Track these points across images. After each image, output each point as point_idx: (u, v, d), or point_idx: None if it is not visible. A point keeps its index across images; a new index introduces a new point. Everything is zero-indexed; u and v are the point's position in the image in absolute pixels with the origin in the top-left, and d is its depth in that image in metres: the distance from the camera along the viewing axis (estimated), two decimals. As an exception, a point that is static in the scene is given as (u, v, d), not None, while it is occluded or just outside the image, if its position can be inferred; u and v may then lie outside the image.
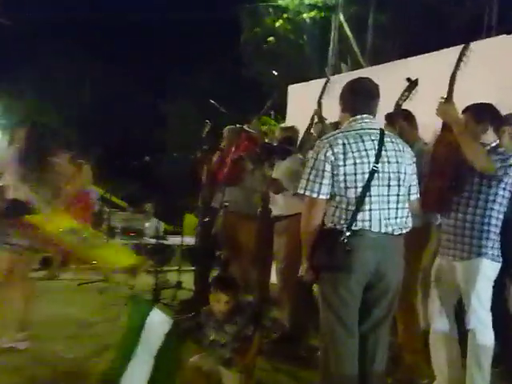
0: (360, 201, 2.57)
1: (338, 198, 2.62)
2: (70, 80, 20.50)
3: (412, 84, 3.45)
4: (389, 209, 2.62)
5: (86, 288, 6.15)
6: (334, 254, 2.53)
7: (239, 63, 15.64)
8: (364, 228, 2.57)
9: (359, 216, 2.57)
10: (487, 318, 2.95)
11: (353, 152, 2.60)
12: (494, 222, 3.00)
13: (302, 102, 5.34)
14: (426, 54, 5.48)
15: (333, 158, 2.58)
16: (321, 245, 2.58)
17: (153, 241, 8.08)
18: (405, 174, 2.67)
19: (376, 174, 2.59)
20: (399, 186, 2.66)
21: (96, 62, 19.79)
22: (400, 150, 2.69)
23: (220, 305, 3.12)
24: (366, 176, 2.58)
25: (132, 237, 8.09)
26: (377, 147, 2.63)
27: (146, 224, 8.40)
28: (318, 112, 4.38)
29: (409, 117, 3.69)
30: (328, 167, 2.59)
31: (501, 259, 3.02)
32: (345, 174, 2.59)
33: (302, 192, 2.62)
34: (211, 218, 5.21)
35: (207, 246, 5.25)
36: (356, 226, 2.56)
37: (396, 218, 2.64)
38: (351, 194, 2.59)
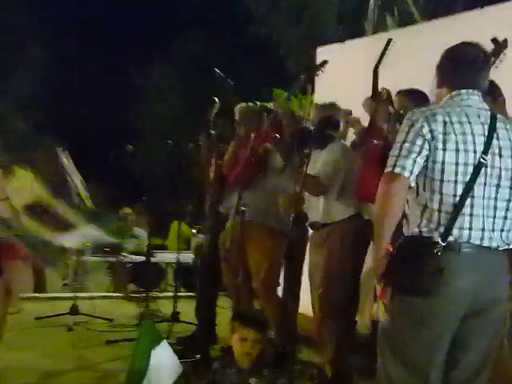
0: (460, 202, 2.48)
1: (427, 195, 2.53)
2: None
3: (499, 46, 3.38)
4: (495, 217, 2.55)
5: (48, 323, 6.02)
6: (419, 273, 2.42)
7: (245, 21, 15.49)
8: (461, 240, 2.47)
9: (457, 222, 2.47)
10: None
11: (456, 134, 2.50)
12: None
13: (336, 70, 5.23)
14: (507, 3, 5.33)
15: (430, 136, 2.51)
16: (401, 257, 2.48)
17: (135, 258, 8.05)
18: None
19: (483, 169, 2.51)
20: (511, 188, 2.58)
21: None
22: None
23: (246, 346, 3.03)
24: (471, 169, 2.50)
25: (107, 253, 7.97)
26: (487, 133, 2.54)
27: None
28: (375, 83, 4.24)
29: (494, 89, 3.58)
30: (426, 145, 2.51)
31: None
32: (443, 163, 2.50)
33: (389, 170, 2.53)
34: (219, 228, 5.06)
35: (213, 266, 5.10)
36: (452, 234, 2.46)
37: (502, 230, 2.56)
38: (449, 190, 2.49)
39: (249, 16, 15.50)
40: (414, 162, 2.49)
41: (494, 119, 2.59)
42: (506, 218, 2.57)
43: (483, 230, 2.51)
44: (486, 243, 2.50)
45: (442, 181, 2.50)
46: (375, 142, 3.94)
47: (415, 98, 3.75)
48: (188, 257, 8.06)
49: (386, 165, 2.58)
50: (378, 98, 4.15)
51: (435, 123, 2.51)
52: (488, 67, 2.74)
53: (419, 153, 2.50)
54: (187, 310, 5.86)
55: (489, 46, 3.41)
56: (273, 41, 15.00)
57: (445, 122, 2.52)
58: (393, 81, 4.26)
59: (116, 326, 5.94)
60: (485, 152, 2.51)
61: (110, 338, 5.38)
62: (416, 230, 2.53)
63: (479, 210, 2.51)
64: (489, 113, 2.61)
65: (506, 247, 2.57)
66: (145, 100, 20.59)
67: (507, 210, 2.57)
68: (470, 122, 2.54)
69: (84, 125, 19.95)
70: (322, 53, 7.21)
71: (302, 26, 14.42)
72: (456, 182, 2.49)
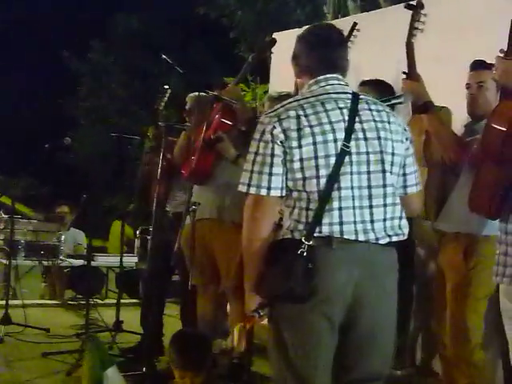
0: (325, 196, 2.45)
1: (295, 195, 2.51)
2: None
3: (414, 8, 3.53)
4: (371, 207, 2.51)
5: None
6: (288, 275, 2.38)
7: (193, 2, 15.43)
8: (333, 235, 2.45)
9: (325, 218, 2.45)
10: None
11: (311, 127, 2.49)
12: None
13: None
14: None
15: (283, 137, 2.49)
16: (271, 262, 2.45)
17: (73, 261, 7.94)
18: (392, 154, 2.56)
19: (348, 157, 2.48)
20: (384, 172, 2.54)
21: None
22: (384, 121, 2.59)
23: (187, 382, 3.24)
24: (333, 160, 2.47)
25: (42, 256, 7.85)
26: (347, 118, 2.52)
27: (63, 237, 8.19)
28: None
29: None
30: (278, 150, 2.48)
31: None
32: (301, 160, 2.47)
33: (244, 190, 2.52)
34: (166, 227, 5.04)
35: (160, 269, 5.09)
36: (321, 232, 2.44)
37: (385, 220, 2.53)
38: (312, 186, 2.47)
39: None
40: (270, 174, 2.48)
41: (355, 101, 2.58)
42: (385, 205, 2.53)
43: (355, 222, 2.47)
44: (362, 237, 2.47)
45: (304, 178, 2.48)
46: None
47: (380, 89, 3.81)
48: (132, 260, 8.03)
49: None
50: None
51: (287, 120, 2.50)
52: (345, 46, 2.77)
53: (272, 164, 2.48)
54: (131, 318, 5.81)
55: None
56: (223, 23, 14.97)
57: (298, 117, 2.50)
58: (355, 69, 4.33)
59: (52, 337, 5.83)
60: (346, 139, 2.49)
61: (46, 349, 5.29)
62: (286, 231, 2.52)
63: (349, 202, 2.48)
64: (350, 95, 2.60)
65: (389, 240, 2.53)
66: (82, 87, 20.32)
67: (385, 196, 2.53)
68: (326, 110, 2.52)
69: (15, 115, 19.63)
70: (279, 38, 7.24)
71: (255, 8, 14.43)
72: (318, 176, 2.46)
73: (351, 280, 2.45)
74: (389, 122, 2.59)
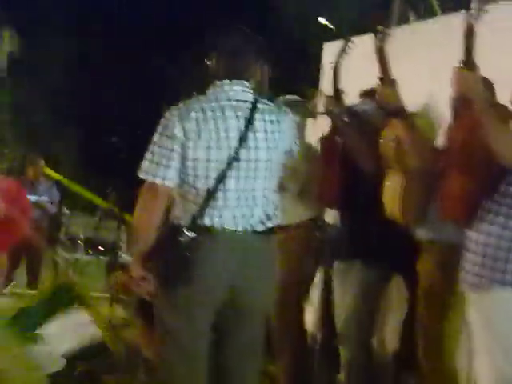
0: (211, 194, 2.71)
1: (185, 188, 2.77)
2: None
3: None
4: (252, 206, 2.78)
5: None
6: (169, 261, 2.67)
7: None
8: (213, 225, 2.72)
9: (208, 212, 2.71)
10: None
11: (209, 131, 2.72)
12: None
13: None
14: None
15: (182, 136, 2.72)
16: (157, 248, 2.73)
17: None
18: (279, 161, 2.88)
19: (237, 163, 2.74)
20: (268, 178, 2.84)
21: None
22: (274, 131, 2.83)
23: None
24: (223, 164, 2.72)
25: (102, 252, 8.14)
26: (242, 127, 2.75)
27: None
28: (334, 79, 4.11)
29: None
30: (176, 146, 2.72)
31: None
32: (195, 160, 2.73)
33: (142, 176, 2.76)
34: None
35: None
36: (203, 223, 2.70)
37: (262, 216, 2.81)
38: (201, 184, 2.74)
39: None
40: (167, 167, 2.72)
41: (253, 111, 2.79)
42: (263, 205, 2.82)
43: (235, 217, 2.74)
44: (240, 228, 2.75)
45: (195, 176, 2.73)
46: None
47: None
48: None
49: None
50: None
51: (188, 121, 2.72)
52: (254, 55, 2.90)
53: (170, 157, 2.72)
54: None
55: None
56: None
57: (198, 119, 2.72)
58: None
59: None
60: (238, 147, 2.73)
61: None
62: (173, 219, 2.78)
63: (233, 202, 2.74)
64: (249, 105, 2.80)
65: (264, 227, 2.80)
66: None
67: (265, 197, 2.82)
68: (224, 117, 2.75)
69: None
70: (330, 49, 7.28)
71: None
72: (207, 177, 2.72)
73: (230, 267, 2.73)
74: (279, 132, 2.84)
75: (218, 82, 2.83)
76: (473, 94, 2.87)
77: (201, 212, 2.70)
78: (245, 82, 2.85)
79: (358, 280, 3.84)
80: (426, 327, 3.54)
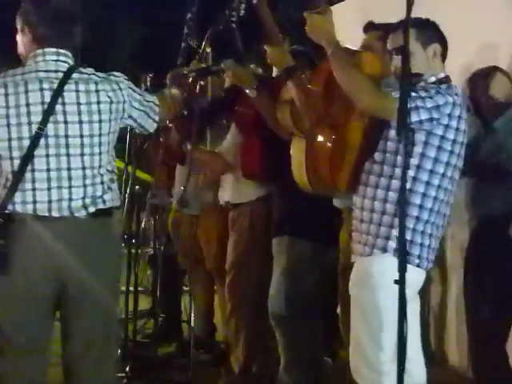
0: (18, 177, 2.56)
1: None
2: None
3: None
4: (70, 187, 2.62)
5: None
6: None
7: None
8: (26, 212, 2.57)
9: (18, 197, 2.57)
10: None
11: (8, 108, 2.56)
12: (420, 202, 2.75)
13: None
14: None
15: None
16: None
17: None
18: (100, 135, 2.65)
19: (44, 140, 2.57)
20: (83, 155, 2.63)
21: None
22: (91, 103, 2.62)
23: None
24: (26, 143, 2.56)
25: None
26: (48, 100, 2.57)
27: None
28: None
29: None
30: None
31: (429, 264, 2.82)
32: None
33: None
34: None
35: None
36: (14, 210, 2.56)
37: (84, 198, 2.64)
38: (6, 167, 2.58)
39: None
40: None
41: (63, 83, 2.59)
42: (85, 185, 2.64)
43: (50, 201, 2.59)
44: (55, 214, 2.59)
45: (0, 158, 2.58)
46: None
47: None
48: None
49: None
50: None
51: None
52: (76, 21, 2.73)
53: None
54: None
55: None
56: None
57: (4, 95, 2.56)
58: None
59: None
60: (43, 122, 2.55)
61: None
62: None
63: (44, 184, 2.58)
64: (60, 75, 2.61)
65: (86, 212, 2.63)
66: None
67: (85, 177, 2.64)
68: (27, 91, 2.56)
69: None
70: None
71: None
72: (12, 158, 2.57)
73: (48, 254, 2.58)
74: (98, 103, 2.63)
75: (31, 53, 2.67)
76: (320, 37, 2.82)
77: (10, 197, 2.57)
78: (61, 51, 2.67)
79: (285, 255, 3.79)
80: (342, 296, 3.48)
